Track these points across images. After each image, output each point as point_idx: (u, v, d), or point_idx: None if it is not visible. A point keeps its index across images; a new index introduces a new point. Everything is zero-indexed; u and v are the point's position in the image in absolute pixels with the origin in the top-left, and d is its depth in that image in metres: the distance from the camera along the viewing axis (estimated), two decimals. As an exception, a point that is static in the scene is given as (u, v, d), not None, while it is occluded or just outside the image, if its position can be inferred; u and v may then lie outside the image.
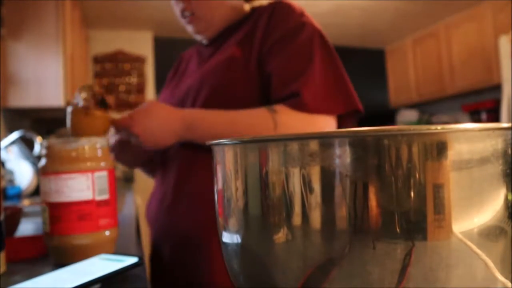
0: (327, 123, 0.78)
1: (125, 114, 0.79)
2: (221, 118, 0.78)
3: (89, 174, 0.59)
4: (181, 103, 0.89)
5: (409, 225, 0.24)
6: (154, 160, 0.98)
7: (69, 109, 0.75)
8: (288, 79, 0.78)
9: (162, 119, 0.77)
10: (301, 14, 0.83)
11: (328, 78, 0.78)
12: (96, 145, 0.61)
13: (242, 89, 0.82)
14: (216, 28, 0.91)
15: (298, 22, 0.81)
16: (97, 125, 0.74)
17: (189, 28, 0.93)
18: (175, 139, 0.79)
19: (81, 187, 0.58)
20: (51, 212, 0.58)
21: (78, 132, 0.73)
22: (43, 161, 0.60)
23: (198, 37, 0.96)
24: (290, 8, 0.83)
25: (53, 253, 0.60)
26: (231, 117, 0.78)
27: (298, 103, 0.75)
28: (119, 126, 0.77)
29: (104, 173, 0.61)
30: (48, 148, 0.60)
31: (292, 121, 0.75)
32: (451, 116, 4.40)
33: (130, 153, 0.93)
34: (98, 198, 0.59)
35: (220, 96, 0.82)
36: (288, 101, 0.77)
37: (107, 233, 0.61)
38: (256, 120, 0.77)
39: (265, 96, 0.82)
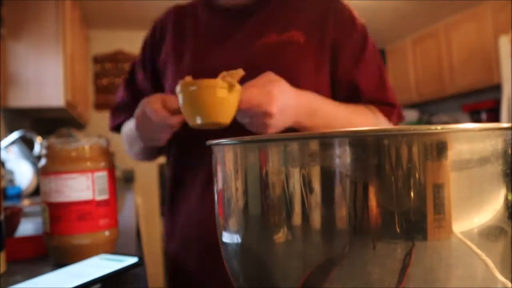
0: None
1: (248, 87, 0.64)
2: (340, 112, 0.74)
3: (89, 174, 0.59)
4: None
5: (409, 225, 0.24)
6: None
7: (193, 87, 0.60)
8: (376, 87, 0.79)
9: (293, 99, 0.67)
10: (358, 16, 0.83)
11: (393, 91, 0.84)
12: (95, 145, 0.61)
13: (310, 82, 0.75)
14: None
15: (363, 26, 0.81)
16: (236, 102, 0.62)
17: None
18: (294, 123, 0.68)
19: (81, 187, 0.58)
20: (51, 212, 0.58)
21: (210, 114, 0.60)
22: (43, 161, 0.60)
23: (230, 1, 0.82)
24: (350, 7, 0.82)
25: (53, 253, 0.60)
26: (348, 113, 0.74)
27: (391, 115, 0.78)
28: (249, 102, 0.62)
29: (104, 173, 0.61)
30: (48, 148, 0.60)
31: (383, 125, 0.77)
32: (451, 116, 4.40)
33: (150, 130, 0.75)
34: (98, 198, 0.59)
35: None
36: (382, 106, 0.78)
37: (107, 233, 0.61)
38: (365, 119, 0.75)
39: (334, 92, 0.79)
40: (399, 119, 0.84)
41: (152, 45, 0.92)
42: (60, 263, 0.58)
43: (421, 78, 4.44)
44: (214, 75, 0.63)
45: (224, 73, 0.61)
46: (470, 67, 3.81)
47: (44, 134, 2.53)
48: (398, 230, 0.24)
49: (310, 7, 0.80)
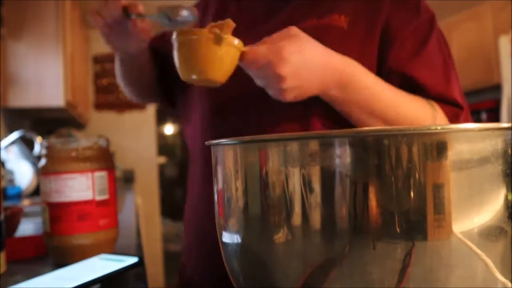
0: None
1: (258, 44, 0.56)
2: (386, 92, 0.62)
3: (89, 174, 0.59)
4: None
5: (409, 225, 0.24)
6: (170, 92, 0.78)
7: (179, 38, 0.54)
8: (440, 83, 0.67)
9: (318, 60, 0.57)
10: (427, 4, 0.70)
11: (462, 92, 0.70)
12: (95, 145, 0.61)
13: None
14: None
15: (430, 14, 0.69)
16: (230, 58, 0.54)
17: None
18: (319, 93, 0.60)
19: (81, 187, 0.58)
20: (51, 212, 0.58)
21: (201, 68, 0.54)
22: (43, 161, 0.60)
23: None
24: None
25: (53, 253, 0.60)
26: (397, 97, 0.63)
27: (458, 118, 0.66)
28: (255, 62, 0.55)
29: (104, 173, 0.61)
30: (48, 148, 0.60)
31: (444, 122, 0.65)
32: (451, 116, 4.39)
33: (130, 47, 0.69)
34: (98, 198, 0.59)
35: None
36: (445, 105, 0.66)
37: (107, 233, 0.61)
38: (419, 111, 0.63)
39: None
40: None
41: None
42: (60, 263, 0.58)
43: (421, 78, 4.44)
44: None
45: (212, 24, 0.54)
46: (470, 67, 3.81)
47: (44, 134, 2.53)
48: (398, 230, 0.24)
49: None
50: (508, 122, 0.32)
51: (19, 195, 1.78)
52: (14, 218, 0.74)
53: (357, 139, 0.25)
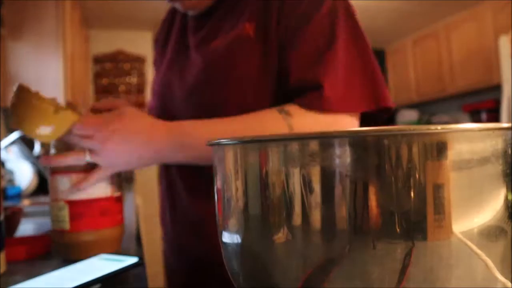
0: (350, 125, 0.63)
1: (88, 115, 0.62)
2: (223, 126, 0.63)
3: (118, 172, 0.63)
4: (187, 98, 0.71)
5: (409, 225, 0.24)
6: None
7: (21, 94, 0.58)
8: (304, 68, 0.63)
9: (141, 136, 0.61)
10: None
11: (354, 67, 0.64)
12: None
13: (258, 80, 0.66)
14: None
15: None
16: (63, 124, 0.60)
17: (177, 5, 0.74)
18: (156, 162, 0.65)
19: (102, 184, 0.61)
20: (72, 209, 0.59)
21: (33, 128, 0.58)
22: None
23: (190, 12, 0.76)
24: None
25: (68, 250, 0.60)
26: (238, 123, 0.63)
27: (315, 102, 0.61)
28: (83, 129, 0.59)
29: (120, 173, 0.65)
30: (65, 147, 0.62)
31: (310, 124, 0.62)
32: (451, 116, 4.40)
33: None
34: (116, 194, 0.63)
35: (231, 90, 0.67)
36: (302, 98, 0.62)
37: (121, 227, 0.64)
38: (269, 127, 0.62)
39: (281, 90, 0.67)
40: (370, 104, 0.64)
41: (156, 43, 0.92)
42: (78, 258, 0.58)
43: (421, 78, 4.45)
44: (171, 87, 0.68)
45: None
46: (470, 67, 3.82)
47: (44, 134, 2.53)
48: (398, 230, 0.24)
49: None
50: (508, 122, 0.32)
51: (19, 195, 1.78)
52: (14, 218, 0.75)
53: (357, 139, 0.25)
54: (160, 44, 0.88)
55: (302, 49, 0.64)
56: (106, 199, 0.61)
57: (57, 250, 0.63)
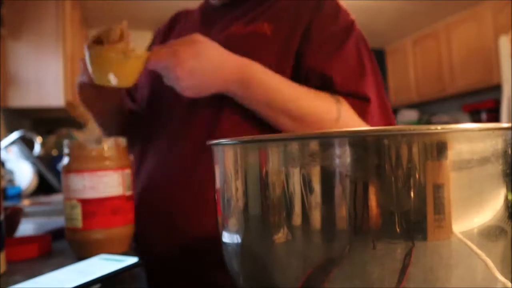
0: None
1: (161, 47, 0.65)
2: (284, 86, 0.66)
3: (120, 171, 0.64)
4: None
5: (409, 225, 0.24)
6: (132, 122, 0.85)
7: (91, 50, 0.62)
8: (350, 80, 0.70)
9: (215, 61, 0.63)
10: (348, 13, 0.76)
11: (379, 91, 0.73)
12: (122, 144, 0.67)
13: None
14: None
15: (348, 22, 0.74)
16: (137, 66, 0.63)
17: None
18: (222, 90, 0.65)
19: (114, 183, 0.63)
20: (84, 208, 0.61)
21: (113, 77, 0.62)
22: (66, 160, 0.63)
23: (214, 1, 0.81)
24: (338, 3, 0.76)
25: (80, 247, 0.62)
26: (295, 90, 0.67)
27: (360, 110, 0.68)
28: (156, 64, 0.63)
29: (129, 170, 0.67)
30: (76, 147, 0.63)
31: (352, 121, 0.67)
32: (451, 116, 4.40)
33: (102, 101, 0.78)
34: (127, 193, 0.65)
35: None
36: (353, 99, 0.68)
37: (132, 226, 0.66)
38: (321, 104, 0.66)
39: None
40: (385, 121, 0.72)
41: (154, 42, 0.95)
42: (89, 256, 0.59)
43: (421, 78, 4.44)
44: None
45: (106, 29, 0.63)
46: (470, 67, 3.81)
47: (44, 134, 2.53)
48: (398, 230, 0.24)
49: None
50: (508, 122, 0.32)
51: (19, 195, 1.78)
52: (14, 218, 0.75)
53: (357, 139, 0.25)
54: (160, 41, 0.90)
55: (344, 62, 0.71)
56: (118, 197, 0.63)
57: (71, 248, 0.65)
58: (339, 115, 0.66)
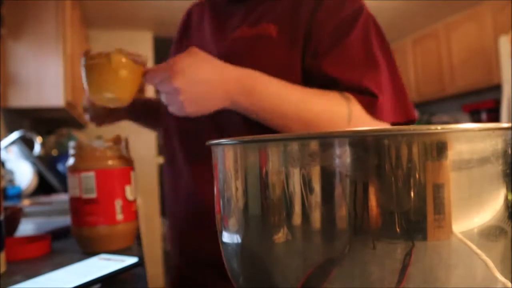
0: None
1: (160, 64, 0.61)
2: (290, 90, 0.63)
3: (127, 171, 0.67)
4: None
5: (409, 225, 0.24)
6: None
7: (86, 62, 0.60)
8: (356, 75, 0.66)
9: (215, 71, 0.60)
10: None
11: (393, 80, 0.68)
12: (128, 145, 0.69)
13: (282, 78, 0.66)
14: None
15: (355, 9, 0.69)
16: (134, 77, 0.60)
17: None
18: (226, 104, 0.62)
19: (122, 182, 0.66)
20: (93, 206, 0.63)
21: (102, 90, 0.60)
22: (71, 160, 0.65)
23: None
24: None
25: (89, 242, 0.64)
26: (302, 94, 0.63)
27: (369, 106, 0.64)
28: (154, 77, 0.60)
29: (133, 171, 0.69)
30: (83, 147, 0.65)
31: (364, 120, 0.64)
32: (451, 116, 4.40)
33: (115, 118, 0.80)
34: (129, 190, 0.68)
35: None
36: (361, 95, 0.65)
37: (136, 221, 0.69)
38: (331, 104, 0.64)
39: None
40: (400, 117, 0.68)
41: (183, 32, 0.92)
42: (94, 251, 0.62)
43: (421, 78, 4.44)
44: None
45: (116, 48, 0.60)
46: (470, 67, 3.81)
47: (44, 134, 2.53)
48: (398, 230, 0.24)
49: None
50: (508, 122, 0.32)
51: (19, 195, 1.78)
52: (14, 218, 0.75)
53: (357, 139, 0.25)
54: (178, 41, 0.89)
55: (348, 57, 0.66)
56: (122, 195, 0.66)
57: (78, 244, 0.67)
58: (350, 115, 0.63)
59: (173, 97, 0.58)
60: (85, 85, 0.62)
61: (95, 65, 0.59)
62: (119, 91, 0.60)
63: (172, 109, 0.61)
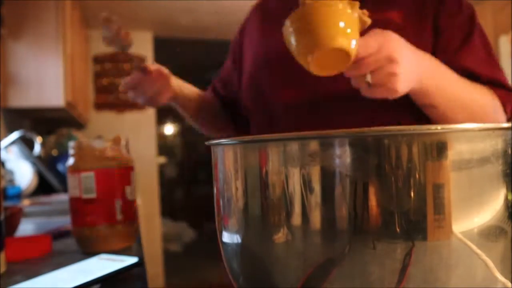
0: None
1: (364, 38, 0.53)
2: (459, 79, 0.64)
3: (129, 171, 0.67)
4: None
5: (409, 225, 0.24)
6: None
7: (313, 4, 0.49)
8: (487, 66, 0.70)
9: (413, 53, 0.57)
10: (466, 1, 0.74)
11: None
12: (127, 146, 0.70)
13: None
14: None
15: (470, 10, 0.72)
16: (358, 27, 0.51)
17: None
18: (416, 85, 0.59)
19: (124, 182, 0.66)
20: (96, 205, 0.64)
21: (335, 34, 0.49)
22: (71, 160, 0.65)
23: None
24: None
25: (90, 242, 0.64)
26: (465, 83, 0.65)
27: (508, 102, 0.67)
28: (368, 50, 0.52)
29: (133, 171, 0.70)
30: (85, 147, 0.65)
31: (501, 113, 0.67)
32: (451, 116, 4.39)
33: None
34: (132, 192, 0.68)
35: None
36: (499, 91, 0.68)
37: (137, 221, 0.69)
38: (484, 96, 0.67)
39: None
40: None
41: (241, 30, 0.93)
42: (95, 251, 0.62)
43: (421, 78, 4.44)
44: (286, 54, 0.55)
45: None
46: (470, 67, 3.81)
47: (44, 134, 2.53)
48: (398, 230, 0.24)
49: None
50: (508, 122, 0.32)
51: (19, 195, 1.78)
52: (14, 218, 0.74)
53: (357, 139, 0.25)
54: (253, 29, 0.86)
55: (477, 51, 0.70)
56: (122, 195, 0.66)
57: (78, 244, 0.67)
58: (495, 107, 0.66)
59: (387, 68, 0.53)
60: (306, 31, 0.50)
61: (329, 7, 0.49)
62: (346, 39, 0.49)
63: (377, 91, 0.55)
